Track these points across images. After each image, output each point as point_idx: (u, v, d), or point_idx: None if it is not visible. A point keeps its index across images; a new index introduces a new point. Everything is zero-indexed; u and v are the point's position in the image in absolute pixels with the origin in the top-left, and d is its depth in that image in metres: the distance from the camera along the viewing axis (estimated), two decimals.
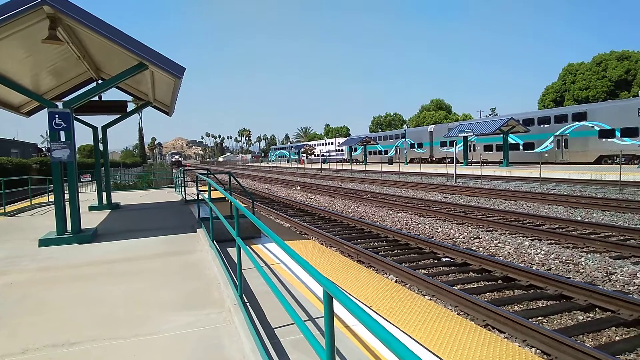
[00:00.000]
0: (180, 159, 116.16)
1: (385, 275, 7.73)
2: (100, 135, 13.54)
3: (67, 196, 8.42)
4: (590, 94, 58.31)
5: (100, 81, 12.71)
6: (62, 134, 8.07)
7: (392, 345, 1.38)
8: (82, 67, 11.51)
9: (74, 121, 8.89)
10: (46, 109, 8.19)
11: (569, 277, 7.42)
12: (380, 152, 65.70)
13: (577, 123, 35.17)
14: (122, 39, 7.54)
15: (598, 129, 33.48)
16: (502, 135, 37.10)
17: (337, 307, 4.45)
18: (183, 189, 15.40)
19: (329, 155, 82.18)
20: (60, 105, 8.31)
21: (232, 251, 6.96)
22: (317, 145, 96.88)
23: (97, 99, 12.89)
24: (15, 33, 7.87)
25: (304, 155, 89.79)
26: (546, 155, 37.23)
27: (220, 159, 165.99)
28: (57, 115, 7.89)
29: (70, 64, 11.13)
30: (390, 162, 60.16)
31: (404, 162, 55.31)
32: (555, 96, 64.78)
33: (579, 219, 12.78)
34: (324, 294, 1.95)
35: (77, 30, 8.70)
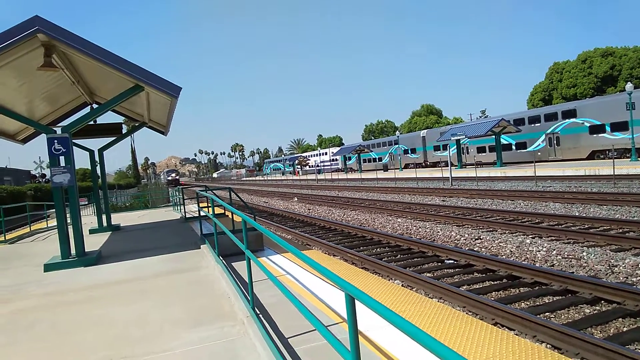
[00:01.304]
0: (177, 177, 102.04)
1: (391, 280, 7.78)
2: (96, 158, 13.56)
3: (68, 220, 8.44)
4: (578, 91, 59.01)
5: (94, 105, 12.78)
6: (62, 158, 8.11)
7: (423, 340, 1.45)
8: (77, 92, 11.59)
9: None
10: (42, 134, 8.25)
11: (573, 272, 7.51)
12: (374, 160, 65.98)
13: (567, 120, 35.58)
14: (117, 62, 7.63)
15: (588, 125, 33.88)
16: (494, 136, 37.44)
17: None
18: (182, 207, 15.41)
19: (324, 166, 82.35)
20: (58, 130, 8.37)
21: (238, 265, 7.00)
22: (311, 156, 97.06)
23: (92, 123, 12.95)
24: (10, 62, 7.95)
25: (299, 166, 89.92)
26: (539, 153, 37.56)
27: (215, 175, 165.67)
28: (56, 141, 7.94)
29: (64, 90, 11.21)
30: (385, 168, 60.43)
31: (398, 168, 55.54)
32: (543, 95, 65.50)
33: (577, 214, 12.92)
34: (346, 296, 2.01)
35: (71, 56, 8.79)
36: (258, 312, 4.55)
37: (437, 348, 1.35)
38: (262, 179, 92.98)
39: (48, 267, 7.90)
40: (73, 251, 8.36)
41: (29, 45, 7.64)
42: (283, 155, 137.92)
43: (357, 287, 1.97)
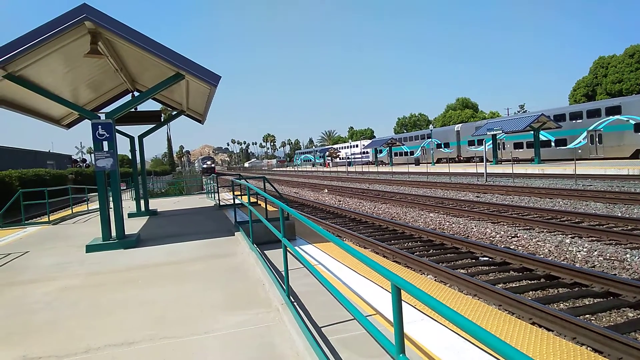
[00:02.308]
0: (213, 165, 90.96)
1: (423, 275, 7.70)
2: (136, 145, 13.94)
3: (109, 204, 8.74)
4: (624, 87, 56.42)
5: (135, 92, 13.12)
6: (105, 144, 8.38)
7: (475, 332, 1.42)
8: (119, 79, 11.93)
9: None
10: (85, 120, 8.53)
11: (615, 274, 7.24)
12: (406, 153, 65.21)
13: (611, 117, 34.09)
14: (160, 50, 7.79)
15: (634, 122, 32.36)
16: (532, 132, 36.30)
17: (384, 308, 4.49)
18: (217, 195, 15.71)
19: (354, 158, 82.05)
20: (102, 116, 8.64)
21: (271, 253, 7.08)
22: (342, 148, 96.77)
23: (133, 110, 13.30)
24: (58, 49, 8.25)
25: (329, 158, 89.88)
26: (579, 151, 36.19)
27: (246, 164, 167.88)
28: (100, 126, 8.21)
29: (108, 77, 11.56)
30: (417, 162, 59.63)
31: (430, 163, 54.74)
32: (586, 90, 62.95)
33: (619, 215, 12.41)
34: (392, 287, 2.00)
35: (115, 44, 9.05)
36: (292, 300, 4.60)
37: (498, 345, 1.32)
38: (293, 169, 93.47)
39: (90, 248, 8.22)
40: (114, 233, 8.66)
41: (76, 33, 7.90)
42: (314, 147, 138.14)
43: (403, 278, 1.96)
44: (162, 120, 13.69)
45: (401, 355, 1.99)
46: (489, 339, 1.36)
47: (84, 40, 8.22)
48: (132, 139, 13.80)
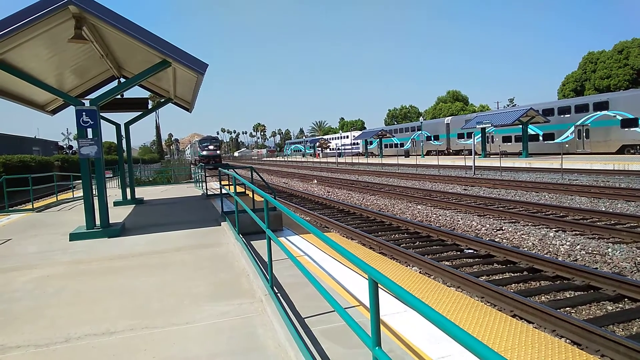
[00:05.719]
0: (218, 152, 55.79)
1: (409, 266, 7.75)
2: (122, 132, 13.76)
3: (93, 192, 8.63)
4: (612, 83, 56.98)
5: (122, 79, 12.92)
6: (89, 131, 8.25)
7: (444, 326, 1.42)
8: (105, 66, 11.72)
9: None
10: (70, 106, 8.39)
11: (596, 268, 7.35)
12: (396, 145, 65.36)
13: (598, 112, 34.46)
14: (146, 36, 7.65)
15: (620, 118, 32.77)
16: (521, 126, 36.57)
17: (367, 299, 4.51)
18: (204, 184, 15.60)
19: (345, 149, 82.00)
20: (86, 103, 8.49)
21: (258, 244, 7.07)
22: (333, 139, 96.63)
23: (119, 97, 13.10)
24: (41, 34, 8.06)
25: (320, 149, 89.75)
26: (567, 145, 36.59)
27: (236, 154, 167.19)
28: (84, 113, 8.07)
29: (93, 63, 11.34)
30: (407, 154, 59.82)
31: (420, 155, 54.95)
32: (575, 85, 63.48)
33: (603, 209, 12.58)
34: (369, 281, 2.00)
35: (100, 29, 8.86)
36: (276, 291, 4.59)
37: (462, 336, 1.33)
38: (283, 159, 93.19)
39: (73, 237, 8.12)
40: (98, 222, 8.56)
41: (60, 17, 7.72)
42: (304, 137, 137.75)
43: (380, 272, 1.95)
44: (149, 107, 13.51)
45: (377, 348, 1.99)
46: (457, 331, 1.36)
47: (68, 25, 8.03)
48: (118, 126, 13.62)
